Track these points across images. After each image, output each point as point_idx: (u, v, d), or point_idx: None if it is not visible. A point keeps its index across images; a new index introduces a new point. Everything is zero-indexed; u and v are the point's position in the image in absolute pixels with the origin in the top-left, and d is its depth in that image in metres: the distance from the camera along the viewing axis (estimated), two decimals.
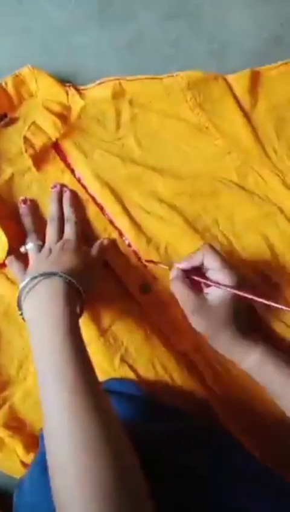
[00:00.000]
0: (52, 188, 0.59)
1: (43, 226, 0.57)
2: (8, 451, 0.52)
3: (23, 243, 0.56)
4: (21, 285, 0.47)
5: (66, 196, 0.59)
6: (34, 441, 0.52)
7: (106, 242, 0.57)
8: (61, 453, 0.36)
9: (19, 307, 0.48)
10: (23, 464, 0.52)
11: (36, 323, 0.45)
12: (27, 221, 0.57)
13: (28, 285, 0.47)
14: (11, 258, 0.55)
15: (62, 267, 0.48)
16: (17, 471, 0.52)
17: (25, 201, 0.58)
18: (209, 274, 0.50)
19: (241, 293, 0.48)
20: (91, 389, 0.39)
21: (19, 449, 0.52)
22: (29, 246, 0.55)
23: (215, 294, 0.49)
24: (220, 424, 0.53)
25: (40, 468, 0.43)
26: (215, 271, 0.49)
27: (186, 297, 0.49)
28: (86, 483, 0.34)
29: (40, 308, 0.45)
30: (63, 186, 0.59)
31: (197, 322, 0.49)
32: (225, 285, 0.48)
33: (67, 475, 0.34)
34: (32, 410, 0.54)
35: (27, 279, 0.47)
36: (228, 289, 0.48)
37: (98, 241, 0.57)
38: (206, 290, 0.50)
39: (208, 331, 0.49)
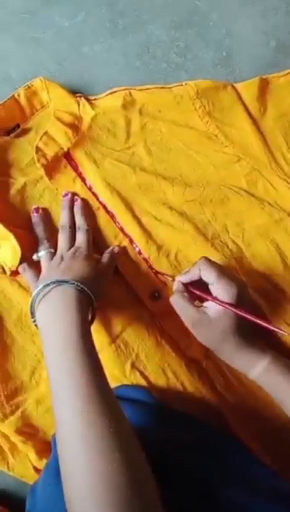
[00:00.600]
0: (63, 196, 0.60)
1: (55, 234, 0.58)
2: (20, 457, 0.53)
3: (36, 251, 0.57)
4: (34, 293, 0.48)
5: (78, 205, 0.59)
6: (46, 446, 0.53)
7: (116, 249, 0.58)
8: (74, 460, 0.36)
9: (32, 314, 0.49)
10: (36, 470, 0.52)
11: (49, 329, 0.45)
12: (39, 229, 0.58)
13: (41, 293, 0.48)
14: (24, 265, 0.55)
15: (74, 275, 0.49)
16: (29, 477, 0.53)
17: (37, 210, 0.59)
18: (210, 287, 0.50)
19: (235, 310, 0.47)
20: (104, 396, 0.39)
21: (32, 455, 0.52)
22: (42, 254, 0.56)
23: (214, 307, 0.49)
24: (230, 431, 0.53)
25: (53, 473, 0.43)
26: (214, 284, 0.49)
27: (185, 311, 0.49)
28: (99, 489, 0.34)
29: (53, 315, 0.46)
30: (74, 194, 0.60)
31: (198, 335, 0.49)
32: (220, 301, 0.48)
33: (81, 481, 0.35)
34: (44, 416, 0.54)
35: (40, 286, 0.48)
36: (224, 304, 0.47)
37: (109, 249, 0.58)
38: (205, 303, 0.50)
39: (211, 343, 0.49)
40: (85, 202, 0.60)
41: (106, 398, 0.39)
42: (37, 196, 0.61)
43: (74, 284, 0.47)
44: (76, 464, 0.36)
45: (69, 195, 0.60)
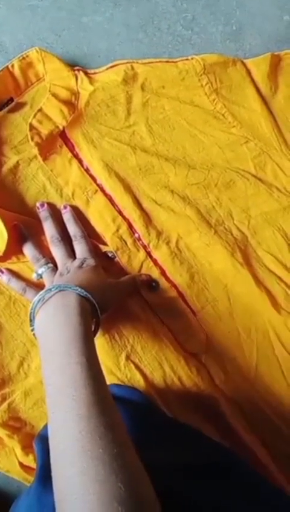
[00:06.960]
0: (38, 207, 0.56)
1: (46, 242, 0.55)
2: (6, 451, 0.50)
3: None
4: (34, 299, 0.44)
5: (67, 213, 0.56)
6: (33, 441, 0.50)
7: (144, 277, 0.54)
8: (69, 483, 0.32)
9: (31, 322, 0.45)
10: (22, 465, 0.50)
11: (47, 336, 0.41)
12: (29, 247, 0.54)
13: (42, 299, 0.44)
14: (24, 286, 0.52)
15: (80, 283, 0.45)
16: (15, 472, 0.50)
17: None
18: None
19: None
20: (108, 417, 0.35)
21: (17, 450, 0.50)
22: (42, 270, 0.52)
23: None
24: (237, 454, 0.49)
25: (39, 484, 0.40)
26: None
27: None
28: None
29: (53, 321, 0.42)
30: (51, 204, 0.56)
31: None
32: None
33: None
34: (32, 409, 0.52)
35: (40, 293, 0.44)
36: None
37: (136, 274, 0.54)
38: None
39: None
40: (74, 208, 0.56)
41: (110, 420, 0.35)
42: (30, 176, 0.57)
43: (77, 289, 0.43)
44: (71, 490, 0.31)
45: (45, 206, 0.56)
